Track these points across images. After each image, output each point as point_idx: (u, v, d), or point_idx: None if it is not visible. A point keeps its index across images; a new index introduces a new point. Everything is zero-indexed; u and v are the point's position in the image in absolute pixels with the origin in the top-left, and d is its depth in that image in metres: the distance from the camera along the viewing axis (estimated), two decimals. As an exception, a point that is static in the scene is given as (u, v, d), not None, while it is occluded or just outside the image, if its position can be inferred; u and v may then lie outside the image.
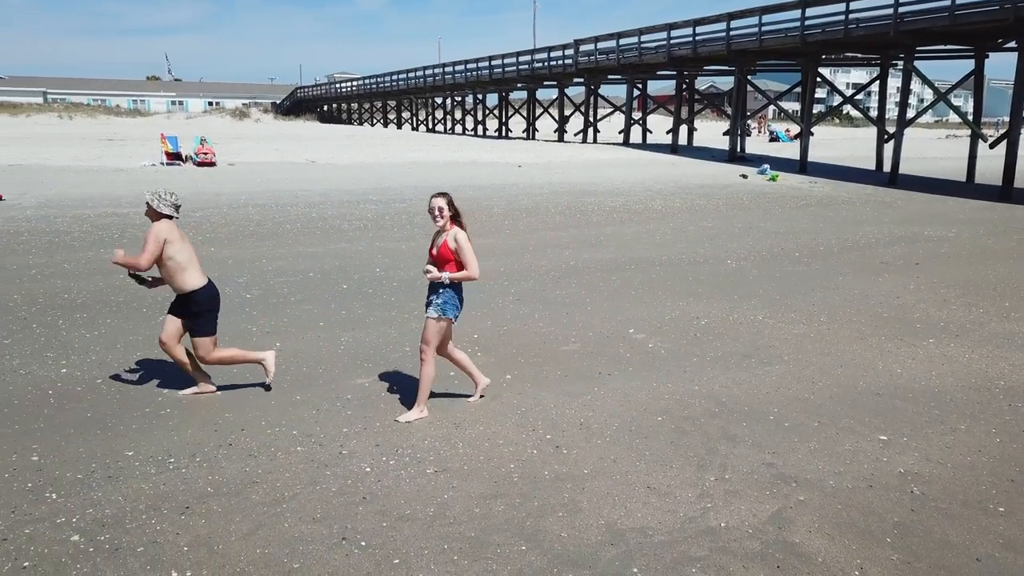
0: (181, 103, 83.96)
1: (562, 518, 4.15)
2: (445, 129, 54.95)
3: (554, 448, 5.01)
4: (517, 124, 51.50)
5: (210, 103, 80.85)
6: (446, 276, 5.24)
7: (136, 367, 6.49)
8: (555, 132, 43.60)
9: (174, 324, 5.71)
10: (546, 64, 41.89)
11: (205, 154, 25.43)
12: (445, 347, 5.62)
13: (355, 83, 66.48)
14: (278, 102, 74.93)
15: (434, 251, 5.36)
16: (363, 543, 3.87)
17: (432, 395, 5.63)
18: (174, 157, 25.80)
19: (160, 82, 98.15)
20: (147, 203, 5.62)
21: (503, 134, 47.69)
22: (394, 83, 57.86)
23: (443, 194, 5.35)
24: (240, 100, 73.76)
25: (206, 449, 4.91)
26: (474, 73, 47.91)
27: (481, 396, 5.82)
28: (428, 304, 5.38)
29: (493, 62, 45.85)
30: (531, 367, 6.63)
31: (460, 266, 5.27)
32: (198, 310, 5.65)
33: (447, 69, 51.21)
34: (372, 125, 63.95)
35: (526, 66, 43.35)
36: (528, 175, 24.88)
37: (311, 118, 65.41)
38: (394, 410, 5.60)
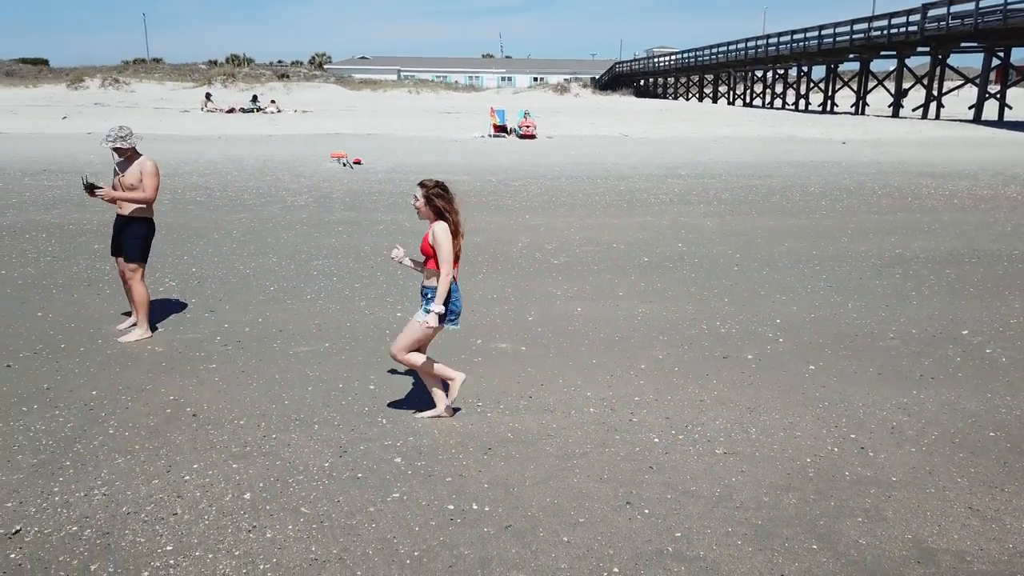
0: (509, 79, 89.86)
1: (861, 524, 3.84)
2: (763, 104, 52.41)
3: (858, 449, 4.63)
4: (844, 98, 47.44)
5: (535, 79, 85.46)
6: (433, 313, 4.55)
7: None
8: (889, 107, 39.43)
9: None
10: (885, 32, 37.94)
11: (527, 127, 27.03)
12: (421, 348, 4.82)
13: (673, 57, 65.96)
14: (596, 77, 76.91)
15: (421, 244, 4.74)
16: (646, 510, 3.93)
17: (724, 376, 5.47)
18: (500, 129, 27.78)
19: (493, 59, 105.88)
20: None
21: (827, 109, 44.24)
22: (713, 56, 56.39)
23: (422, 184, 4.67)
24: (562, 75, 76.91)
25: (509, 398, 5.31)
26: (800, 44, 44.96)
27: (453, 407, 5.03)
28: (424, 310, 4.68)
29: (823, 31, 42.60)
30: (839, 360, 6.16)
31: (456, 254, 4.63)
32: None
33: (770, 40, 48.65)
34: (687, 99, 63.08)
35: (861, 35, 39.65)
36: (853, 153, 22.88)
37: (627, 92, 66.24)
38: (687, 386, 5.56)
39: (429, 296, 4.64)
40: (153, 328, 6.61)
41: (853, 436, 4.80)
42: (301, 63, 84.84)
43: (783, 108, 48.64)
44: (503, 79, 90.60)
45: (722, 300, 7.85)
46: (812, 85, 48.02)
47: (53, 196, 13.83)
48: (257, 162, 19.03)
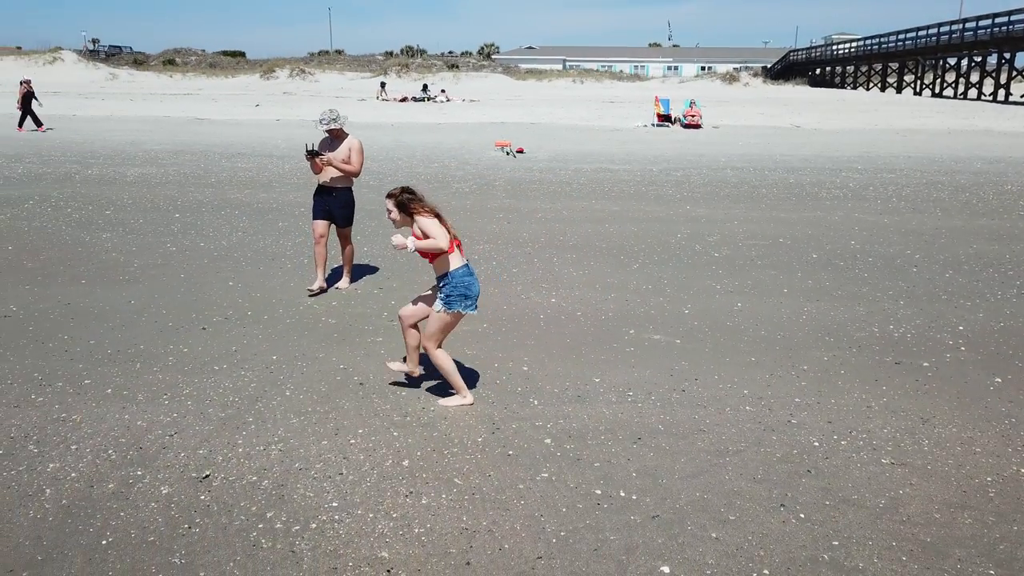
0: (676, 68, 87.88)
1: (1048, 553, 3.49)
2: (955, 94, 48.11)
3: (1050, 472, 4.21)
4: (1056, 88, 42.67)
5: (703, 67, 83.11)
6: (411, 244, 4.63)
7: (609, 307, 7.16)
8: (1111, 98, 35.05)
9: None
10: (1110, 12, 33.68)
11: (692, 116, 26.41)
12: (413, 324, 4.95)
13: (853, 45, 61.89)
14: (768, 66, 73.61)
15: None
16: (802, 515, 3.78)
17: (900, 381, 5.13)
18: (664, 119, 27.31)
19: (659, 48, 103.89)
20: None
21: (1034, 100, 39.95)
22: (899, 43, 52.37)
23: (389, 195, 4.78)
24: (731, 64, 74.29)
25: (661, 390, 5.25)
26: (1003, 28, 40.77)
27: (408, 376, 5.17)
28: (439, 298, 4.80)
29: (1033, 13, 38.45)
30: (1032, 374, 5.60)
31: (453, 238, 4.74)
32: None
33: (967, 25, 44.49)
34: (867, 89, 59.03)
35: (1080, 16, 35.43)
36: (1062, 149, 20.57)
37: (801, 82, 62.98)
38: (853, 390, 5.27)
39: (442, 285, 4.76)
40: (326, 297, 7.34)
41: (1044, 458, 4.37)
42: (470, 53, 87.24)
43: (979, 99, 44.43)
44: (669, 68, 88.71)
45: (897, 302, 7.35)
46: (1015, 74, 43.50)
47: (245, 177, 15.10)
48: (426, 149, 19.83)
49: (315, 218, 7.46)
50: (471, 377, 5.40)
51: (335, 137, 7.27)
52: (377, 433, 4.58)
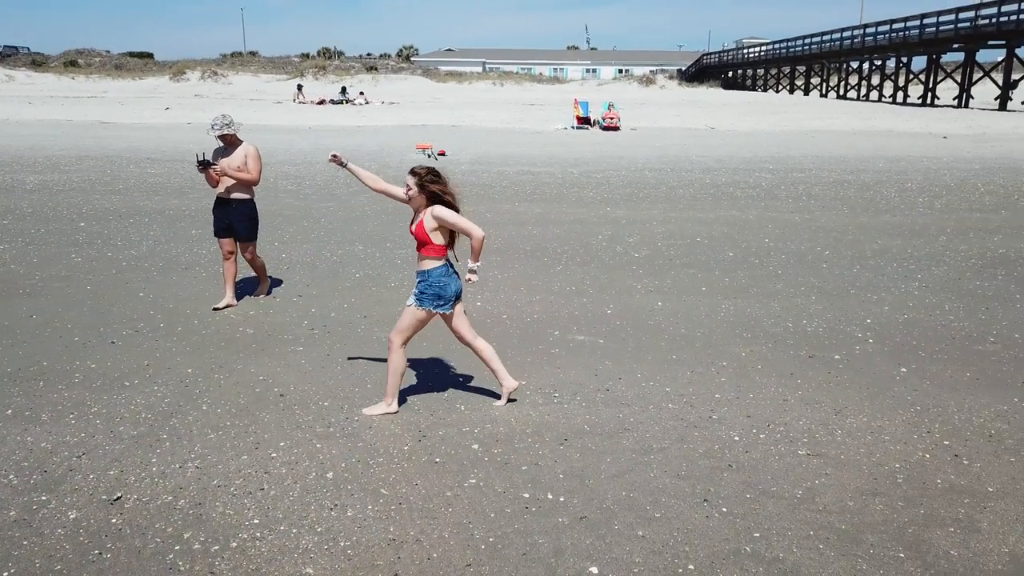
0: (594, 71, 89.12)
1: (953, 534, 3.67)
2: (858, 96, 50.39)
3: (952, 456, 4.43)
4: (946, 91, 45.14)
5: (620, 70, 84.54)
6: (475, 276, 4.83)
7: (534, 309, 7.19)
8: (995, 100, 37.33)
9: None
10: (994, 20, 35.86)
11: (611, 119, 26.82)
12: (464, 336, 4.93)
13: (763, 48, 64.11)
14: (683, 69, 75.49)
15: (412, 228, 4.77)
16: (724, 509, 3.86)
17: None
18: (583, 121, 27.66)
19: (578, 51, 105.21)
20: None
21: (927, 102, 42.20)
22: (805, 47, 54.54)
23: (413, 172, 4.74)
24: (648, 67, 75.88)
25: (586, 391, 5.30)
26: (900, 34, 43.00)
27: (510, 400, 5.05)
28: (414, 295, 4.79)
29: (926, 20, 40.63)
30: (933, 363, 5.90)
31: (449, 243, 4.73)
32: None
33: (867, 31, 46.71)
34: (777, 91, 61.22)
35: (967, 23, 37.62)
36: (954, 148, 21.80)
37: (714, 84, 64.79)
38: (770, 385, 5.43)
39: (418, 280, 4.72)
40: (239, 299, 7.21)
41: (947, 443, 4.59)
42: (389, 56, 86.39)
43: (879, 101, 46.66)
44: (588, 71, 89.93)
45: (809, 298, 7.62)
46: (911, 77, 45.87)
47: (155, 183, 14.54)
48: (346, 152, 19.47)
49: (217, 235, 7.07)
50: (396, 384, 5.33)
51: (229, 143, 6.80)
52: (299, 445, 4.46)
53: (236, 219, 6.97)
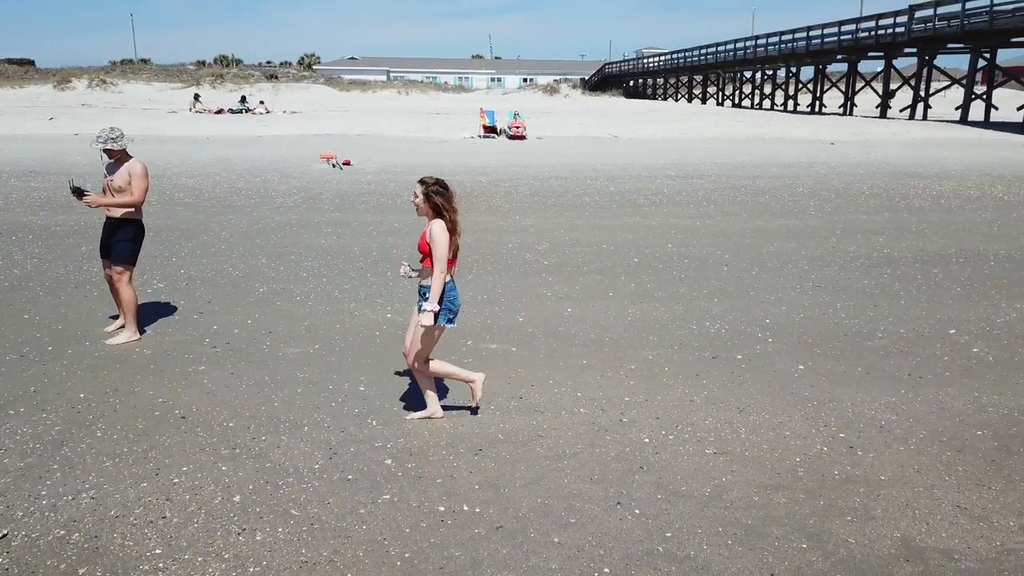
0: (499, 80, 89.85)
1: (850, 523, 3.86)
2: (752, 104, 52.64)
3: (847, 448, 4.66)
4: (832, 99, 47.73)
5: (524, 79, 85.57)
6: (427, 318, 4.54)
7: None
8: (876, 108, 39.69)
9: None
10: (872, 33, 38.25)
11: (517, 127, 27.04)
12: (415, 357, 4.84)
13: (662, 58, 66.14)
14: (586, 78, 77.02)
15: (419, 241, 4.75)
16: (636, 511, 3.94)
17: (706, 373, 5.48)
18: (490, 130, 27.77)
19: (482, 60, 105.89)
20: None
21: (815, 109, 44.50)
22: (702, 57, 56.61)
23: (422, 180, 4.75)
24: (552, 76, 76.98)
25: (500, 399, 5.30)
26: (789, 45, 45.23)
27: (475, 407, 5.05)
28: (419, 308, 4.69)
29: (811, 32, 42.87)
30: (827, 359, 6.19)
31: (455, 252, 4.70)
32: None
33: (759, 41, 48.92)
34: (676, 100, 63.27)
35: (848, 36, 39.95)
36: (841, 153, 23.01)
37: (616, 93, 66.40)
38: (677, 386, 5.58)
39: (426, 295, 4.62)
40: (141, 331, 6.56)
41: (842, 435, 4.82)
42: (290, 64, 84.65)
43: (772, 109, 48.85)
44: (492, 80, 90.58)
45: (712, 300, 7.88)
46: (800, 86, 48.27)
47: (40, 198, 13.73)
48: (246, 163, 18.95)
49: (101, 254, 6.58)
50: (304, 403, 5.20)
51: (115, 159, 6.29)
52: (203, 469, 4.28)
53: (115, 239, 6.39)
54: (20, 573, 3.37)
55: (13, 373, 5.65)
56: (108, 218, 6.45)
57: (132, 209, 6.36)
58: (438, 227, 4.57)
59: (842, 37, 40.40)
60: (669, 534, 3.74)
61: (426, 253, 4.61)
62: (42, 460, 4.35)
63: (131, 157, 6.35)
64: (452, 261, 4.66)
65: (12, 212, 12.31)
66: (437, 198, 4.62)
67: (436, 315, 4.58)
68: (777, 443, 4.71)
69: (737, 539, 3.71)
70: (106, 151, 6.25)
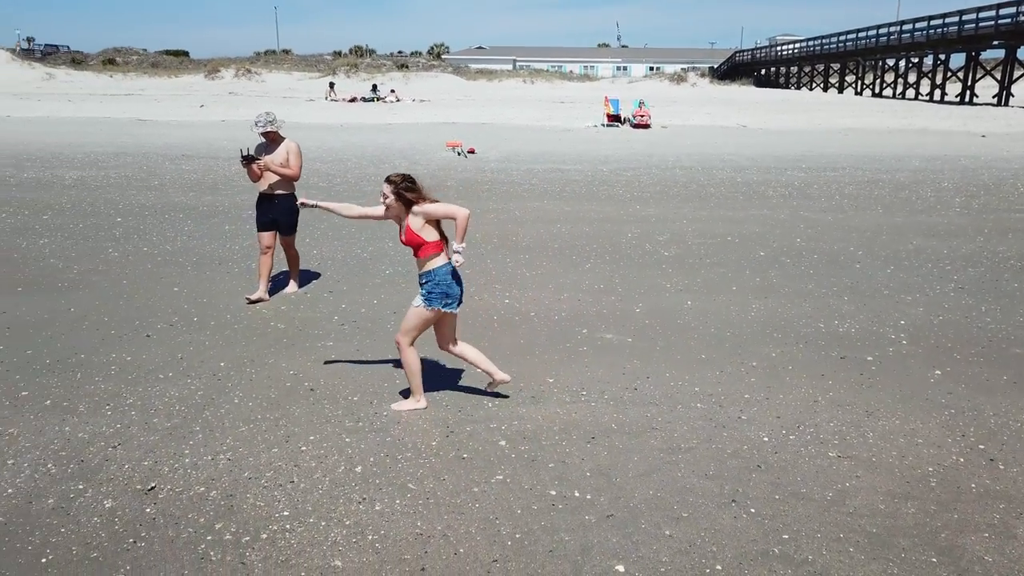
0: (625, 68, 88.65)
1: (988, 539, 3.61)
2: (894, 94, 49.56)
3: (987, 460, 4.35)
4: (985, 88, 44.24)
5: (651, 68, 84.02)
6: (460, 257, 4.61)
7: (562, 307, 7.18)
8: (1038, 98, 36.48)
9: None
10: (1037, 16, 35.05)
11: (641, 116, 26.69)
12: (446, 342, 4.93)
13: (797, 45, 63.31)
14: (715, 66, 74.83)
15: (402, 238, 4.71)
16: (752, 510, 3.84)
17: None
18: (614, 119, 27.54)
19: (608, 49, 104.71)
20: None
21: (965, 99, 41.37)
22: (840, 44, 53.77)
23: (389, 179, 4.68)
24: (679, 65, 75.30)
25: (614, 389, 5.28)
26: (938, 31, 42.21)
27: (497, 394, 5.10)
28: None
29: (964, 17, 39.83)
30: (968, 365, 5.79)
31: (441, 237, 4.70)
32: None
33: (904, 27, 45.92)
34: (811, 89, 60.43)
35: (1008, 19, 36.79)
36: (993, 147, 21.36)
37: (746, 82, 64.16)
38: (800, 386, 5.37)
39: (424, 282, 4.70)
40: (273, 302, 7.17)
41: (982, 447, 4.51)
42: (420, 53, 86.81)
43: (916, 99, 45.85)
44: (618, 68, 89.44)
45: (842, 299, 7.52)
46: (950, 74, 45.02)
47: (190, 179, 14.76)
48: (376, 150, 19.65)
49: (260, 229, 7.26)
50: (425, 380, 5.36)
51: (271, 141, 7.06)
52: (329, 439, 4.51)
53: (280, 214, 7.22)
54: (165, 523, 3.67)
55: (164, 340, 6.14)
56: (265, 196, 7.17)
57: (287, 184, 7.15)
58: (420, 205, 4.62)
59: (1000, 21, 37.29)
60: (786, 536, 3.63)
61: (419, 242, 4.65)
62: (186, 422, 4.71)
63: (284, 138, 7.11)
64: (440, 243, 4.70)
65: (165, 192, 13.29)
66: (409, 194, 4.65)
67: (428, 299, 4.65)
68: (908, 450, 4.47)
69: (860, 547, 3.55)
70: (264, 134, 6.98)
